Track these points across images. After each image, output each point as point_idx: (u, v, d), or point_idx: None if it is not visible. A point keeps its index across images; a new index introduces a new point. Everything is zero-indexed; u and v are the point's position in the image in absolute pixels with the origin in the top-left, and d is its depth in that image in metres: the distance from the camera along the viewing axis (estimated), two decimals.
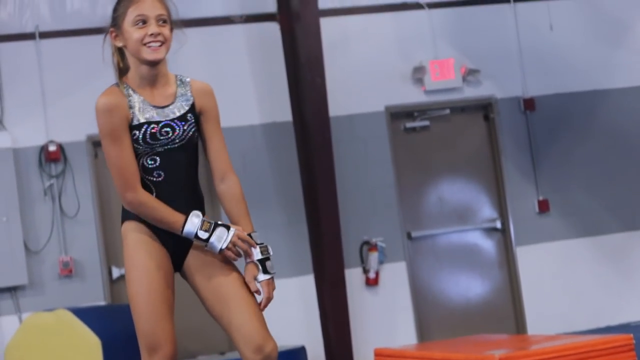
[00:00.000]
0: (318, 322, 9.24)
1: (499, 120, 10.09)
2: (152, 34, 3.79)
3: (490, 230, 10.08)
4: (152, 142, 3.81)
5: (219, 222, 3.80)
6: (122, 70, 3.89)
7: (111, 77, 3.93)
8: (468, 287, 9.93)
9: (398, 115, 9.91)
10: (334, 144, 9.14)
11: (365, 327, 9.43)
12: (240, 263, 3.87)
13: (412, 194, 9.90)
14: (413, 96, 9.89)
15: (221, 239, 3.78)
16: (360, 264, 9.59)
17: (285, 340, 8.61)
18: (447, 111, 9.96)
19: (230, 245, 3.78)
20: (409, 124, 9.95)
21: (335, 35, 9.58)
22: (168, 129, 3.83)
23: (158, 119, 3.82)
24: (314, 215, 9.12)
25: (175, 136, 3.83)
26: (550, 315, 9.90)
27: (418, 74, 9.86)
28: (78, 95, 8.86)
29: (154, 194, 3.82)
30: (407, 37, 9.93)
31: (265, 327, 3.78)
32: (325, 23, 9.33)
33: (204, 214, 3.84)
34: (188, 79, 3.94)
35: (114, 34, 3.87)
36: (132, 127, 3.80)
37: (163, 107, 3.85)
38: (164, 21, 3.84)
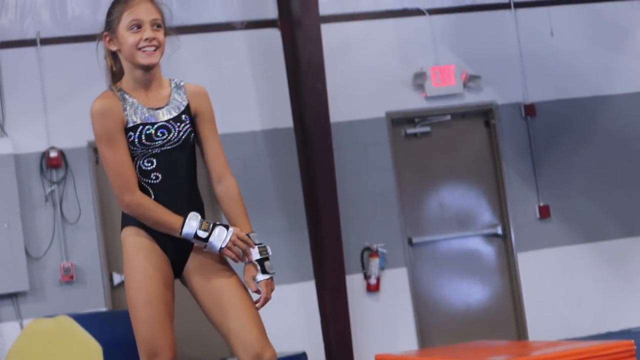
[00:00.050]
0: (319, 328, 9.23)
1: (499, 126, 10.09)
2: (147, 39, 3.79)
3: (491, 236, 10.07)
4: (148, 143, 3.81)
5: (218, 223, 3.80)
6: (115, 74, 3.89)
7: None
8: (469, 292, 9.92)
9: (399, 121, 9.91)
10: (335, 150, 9.13)
11: (366, 333, 9.42)
12: (239, 266, 3.86)
13: (413, 199, 9.89)
14: (414, 102, 9.89)
15: (220, 238, 3.76)
16: (361, 269, 9.58)
17: (286, 346, 8.60)
18: (448, 117, 9.97)
19: (229, 244, 3.76)
20: (410, 130, 9.95)
21: (336, 41, 9.59)
22: (164, 130, 3.83)
23: (153, 121, 3.83)
24: (315, 221, 9.12)
25: (171, 137, 3.83)
26: (551, 321, 9.89)
27: (419, 80, 9.86)
28: (79, 101, 8.84)
29: (152, 196, 3.81)
30: (408, 43, 9.93)
31: (264, 334, 3.77)
32: (326, 29, 9.33)
33: (203, 216, 3.83)
34: (182, 82, 3.95)
35: (107, 38, 3.86)
36: (128, 129, 3.80)
37: (157, 109, 3.85)
38: (159, 26, 3.84)
